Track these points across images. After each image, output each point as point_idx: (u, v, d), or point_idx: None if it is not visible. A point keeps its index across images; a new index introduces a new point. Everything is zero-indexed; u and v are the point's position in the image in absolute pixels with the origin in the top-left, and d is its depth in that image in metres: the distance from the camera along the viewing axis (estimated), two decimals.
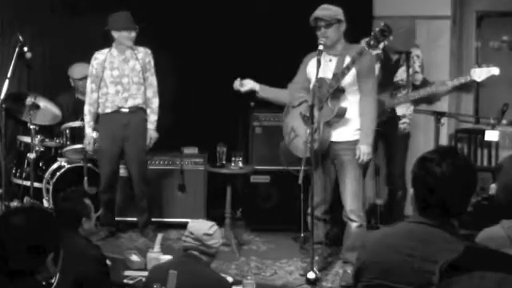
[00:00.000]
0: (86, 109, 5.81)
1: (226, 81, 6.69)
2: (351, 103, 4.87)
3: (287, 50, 6.47)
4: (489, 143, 6.29)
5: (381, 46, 4.81)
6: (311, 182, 4.85)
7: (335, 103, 4.84)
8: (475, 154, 6.48)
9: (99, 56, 5.78)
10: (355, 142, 4.86)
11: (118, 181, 5.98)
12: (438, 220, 2.34)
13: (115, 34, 5.71)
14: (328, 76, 4.84)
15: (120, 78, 5.75)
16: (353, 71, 4.78)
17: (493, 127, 5.26)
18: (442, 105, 6.30)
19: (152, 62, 5.88)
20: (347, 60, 4.80)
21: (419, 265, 2.26)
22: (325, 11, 4.88)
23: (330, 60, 4.91)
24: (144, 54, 5.83)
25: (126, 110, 5.78)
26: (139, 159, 5.88)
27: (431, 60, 6.14)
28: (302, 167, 4.80)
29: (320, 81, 4.81)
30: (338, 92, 4.83)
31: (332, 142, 4.91)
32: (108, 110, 5.77)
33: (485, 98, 6.78)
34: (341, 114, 4.85)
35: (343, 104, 4.85)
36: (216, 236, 3.66)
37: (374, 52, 5.04)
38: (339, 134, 4.90)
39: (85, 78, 6.36)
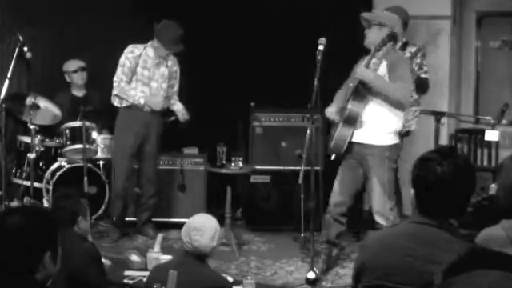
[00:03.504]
0: (115, 94, 5.76)
1: (226, 81, 6.72)
2: (381, 105, 4.80)
3: (286, 50, 6.48)
4: (489, 143, 6.29)
5: (383, 50, 4.75)
6: (336, 177, 4.91)
7: (355, 104, 4.79)
8: (475, 154, 6.48)
9: (135, 50, 5.76)
10: (384, 148, 4.82)
11: (134, 179, 6.02)
12: (438, 220, 2.34)
13: (157, 43, 5.72)
14: None
15: (149, 80, 5.78)
16: (384, 72, 4.75)
17: (493, 127, 5.25)
18: (442, 105, 6.31)
19: (178, 72, 5.97)
20: (382, 65, 4.77)
21: (419, 265, 2.26)
22: (370, 12, 4.93)
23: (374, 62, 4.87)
24: (173, 62, 5.90)
25: (149, 110, 5.80)
26: (155, 159, 6.00)
27: (431, 60, 6.13)
28: (302, 167, 4.80)
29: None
30: (361, 96, 4.77)
31: (359, 143, 4.85)
32: (132, 104, 5.76)
33: (485, 98, 6.78)
34: (352, 116, 4.78)
35: (368, 107, 4.79)
36: (206, 233, 3.60)
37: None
38: (366, 136, 4.84)
39: (80, 69, 6.40)
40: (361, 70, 4.75)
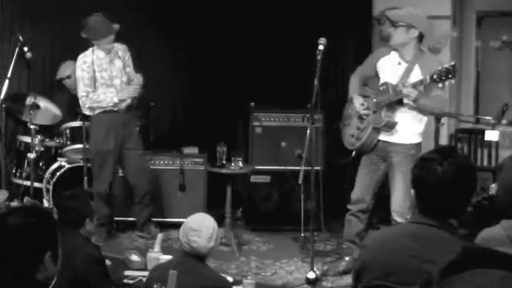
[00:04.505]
0: (87, 107, 5.72)
1: (227, 81, 6.72)
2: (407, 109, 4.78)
3: (286, 50, 6.48)
4: (489, 143, 6.29)
5: (440, 84, 4.54)
6: (357, 175, 4.90)
7: (389, 114, 4.75)
8: (475, 153, 6.48)
9: (87, 59, 5.69)
10: (409, 146, 4.78)
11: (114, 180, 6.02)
12: (438, 220, 2.34)
13: (98, 42, 5.67)
14: (393, 80, 4.74)
15: (111, 79, 5.74)
16: (419, 77, 4.64)
17: (493, 127, 5.26)
18: None
19: (130, 57, 5.87)
20: (415, 70, 4.69)
21: (419, 265, 2.26)
22: (395, 11, 4.81)
23: (399, 63, 4.79)
24: (123, 51, 5.83)
25: (123, 110, 5.78)
26: (141, 154, 5.93)
27: None
28: (302, 167, 4.80)
29: (385, 85, 4.77)
30: (396, 104, 4.73)
31: (384, 141, 4.85)
32: (108, 109, 5.73)
33: (485, 98, 6.78)
34: (390, 126, 4.77)
35: (398, 115, 4.77)
36: (203, 234, 3.56)
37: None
38: (393, 135, 4.82)
39: (66, 78, 6.40)
40: (409, 92, 4.60)
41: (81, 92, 5.70)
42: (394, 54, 4.83)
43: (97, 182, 5.81)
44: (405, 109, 4.75)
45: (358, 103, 4.92)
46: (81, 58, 5.72)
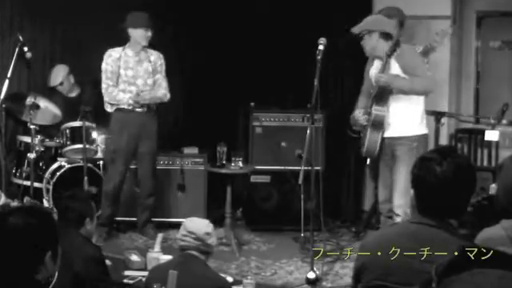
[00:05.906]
0: (106, 101, 5.80)
1: (227, 81, 6.73)
2: (404, 100, 4.86)
3: (286, 50, 6.48)
4: (489, 143, 6.29)
5: (394, 54, 4.78)
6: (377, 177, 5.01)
7: (378, 108, 4.85)
8: (475, 153, 6.48)
9: (114, 54, 5.79)
10: (411, 139, 4.85)
11: (131, 179, 6.05)
12: (438, 220, 2.34)
13: (132, 31, 5.74)
14: None
15: (134, 79, 5.78)
16: (397, 69, 4.81)
17: (493, 127, 5.26)
18: (443, 105, 6.31)
19: (164, 66, 5.93)
20: (392, 63, 4.83)
21: (419, 265, 2.26)
22: (356, 26, 4.98)
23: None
24: (157, 56, 5.89)
25: (140, 110, 5.80)
26: (153, 158, 5.96)
27: (431, 60, 6.14)
28: (302, 167, 4.80)
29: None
30: (383, 99, 4.84)
31: (388, 137, 4.91)
32: (123, 107, 5.77)
33: (485, 98, 6.78)
34: (377, 122, 4.86)
35: (392, 106, 4.86)
36: (213, 234, 3.69)
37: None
38: (394, 130, 4.90)
39: (59, 84, 6.40)
40: (377, 77, 4.78)
41: (102, 84, 5.80)
42: (376, 61, 5.01)
43: (105, 180, 5.87)
44: (393, 101, 4.83)
45: (356, 114, 5.07)
46: (109, 51, 5.82)
